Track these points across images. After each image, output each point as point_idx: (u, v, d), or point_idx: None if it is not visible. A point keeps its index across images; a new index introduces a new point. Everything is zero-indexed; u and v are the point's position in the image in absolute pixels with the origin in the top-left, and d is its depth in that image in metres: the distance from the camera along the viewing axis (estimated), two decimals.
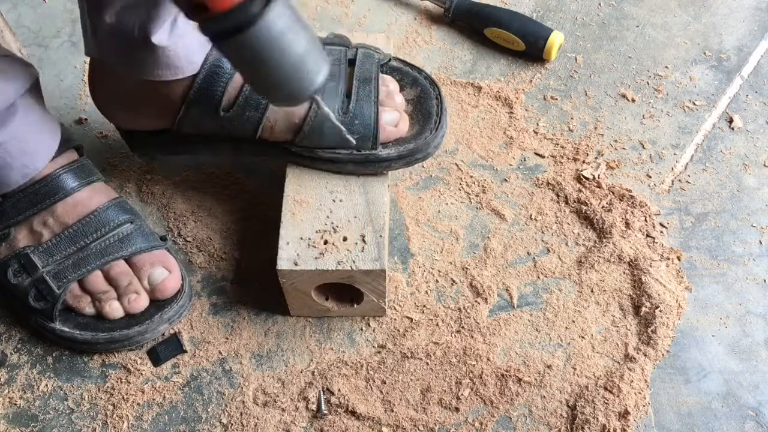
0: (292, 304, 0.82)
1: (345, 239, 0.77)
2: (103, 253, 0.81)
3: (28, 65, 0.79)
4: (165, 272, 0.82)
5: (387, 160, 0.82)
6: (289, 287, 0.79)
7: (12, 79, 0.76)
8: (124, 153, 0.98)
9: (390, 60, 0.87)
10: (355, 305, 0.82)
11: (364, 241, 0.77)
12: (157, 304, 0.82)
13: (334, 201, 0.80)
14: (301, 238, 0.77)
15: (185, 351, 0.83)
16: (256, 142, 0.81)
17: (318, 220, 0.79)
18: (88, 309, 0.82)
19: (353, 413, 0.79)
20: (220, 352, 0.83)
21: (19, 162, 0.80)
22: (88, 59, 0.97)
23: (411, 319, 0.84)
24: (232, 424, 0.78)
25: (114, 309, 0.81)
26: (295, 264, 0.76)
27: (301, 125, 0.79)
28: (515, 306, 0.86)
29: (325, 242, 0.77)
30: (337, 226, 0.78)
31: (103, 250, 0.82)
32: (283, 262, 0.76)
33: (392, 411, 0.79)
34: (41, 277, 0.80)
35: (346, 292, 0.82)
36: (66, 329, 0.81)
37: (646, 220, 0.91)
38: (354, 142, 0.73)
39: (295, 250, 0.76)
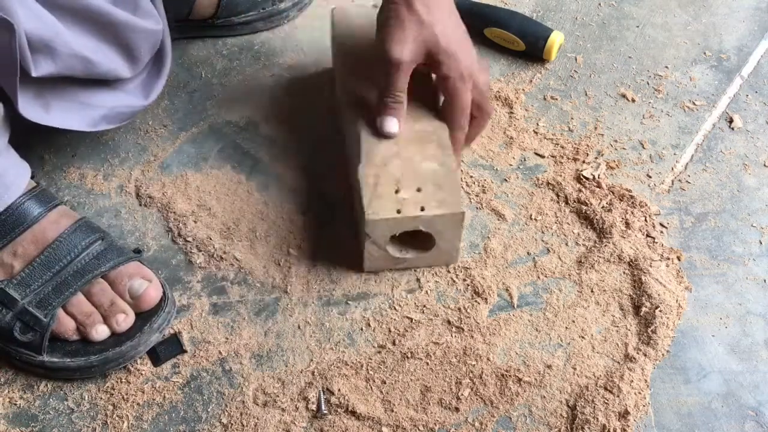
0: (369, 257, 0.85)
1: (419, 189, 0.82)
2: (81, 273, 0.80)
3: None
4: (145, 282, 0.81)
5: (285, 11, 1.10)
6: (369, 242, 0.83)
7: None
8: (124, 154, 0.98)
9: None
10: (428, 252, 0.86)
11: (440, 189, 0.82)
12: (144, 315, 0.81)
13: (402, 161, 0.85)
14: (381, 193, 0.82)
15: (185, 351, 0.83)
16: (183, 21, 0.95)
17: (393, 177, 0.84)
18: (74, 335, 0.80)
19: (353, 413, 0.79)
20: (220, 352, 0.83)
21: None
22: None
23: (411, 319, 0.84)
24: (232, 424, 0.78)
25: (100, 332, 0.79)
26: (378, 215, 0.81)
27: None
28: (515, 306, 0.86)
29: (401, 192, 0.82)
30: (412, 180, 0.83)
31: (80, 270, 0.81)
32: (370, 215, 0.80)
33: (392, 411, 0.79)
34: (23, 308, 0.78)
35: (418, 244, 0.86)
36: (55, 359, 0.79)
37: (646, 220, 0.91)
38: None
39: (378, 204, 0.81)
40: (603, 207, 0.91)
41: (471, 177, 0.95)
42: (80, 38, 0.79)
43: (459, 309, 0.85)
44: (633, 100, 1.03)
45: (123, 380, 0.81)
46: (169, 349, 0.83)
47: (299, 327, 0.85)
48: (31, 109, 0.79)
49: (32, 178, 0.85)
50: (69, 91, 0.84)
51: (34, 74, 0.75)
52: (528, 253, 0.90)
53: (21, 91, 0.76)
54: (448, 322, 0.84)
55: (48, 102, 0.81)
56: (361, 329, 0.84)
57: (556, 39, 1.04)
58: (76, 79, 0.83)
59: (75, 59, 0.78)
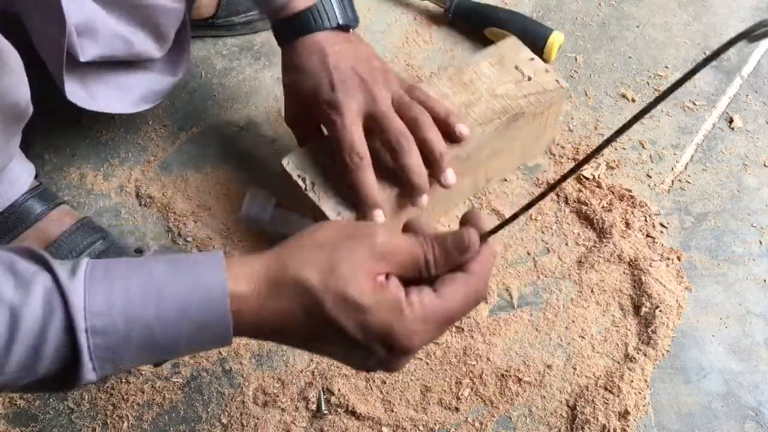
0: None
1: None
2: None
3: None
4: None
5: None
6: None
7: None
8: (124, 154, 0.98)
9: None
10: None
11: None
12: None
13: None
14: None
15: None
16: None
17: None
18: None
19: (353, 413, 0.79)
20: (220, 352, 0.83)
21: (2, 190, 0.80)
22: None
23: None
24: (232, 424, 0.78)
25: None
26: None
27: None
28: (515, 306, 0.86)
29: None
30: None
31: None
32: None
33: (392, 411, 0.79)
34: None
35: None
36: None
37: (646, 220, 0.91)
38: None
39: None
40: (603, 207, 0.91)
41: None
42: (116, 19, 0.82)
43: None
44: (633, 100, 1.03)
45: (123, 380, 0.81)
46: None
47: None
48: (76, 96, 0.82)
49: (35, 177, 0.85)
50: (107, 76, 0.86)
51: (82, 59, 0.78)
52: (528, 253, 0.90)
53: (67, 80, 0.79)
54: None
55: (91, 89, 0.84)
56: None
57: (556, 39, 1.04)
58: (112, 65, 0.86)
59: (116, 39, 0.81)
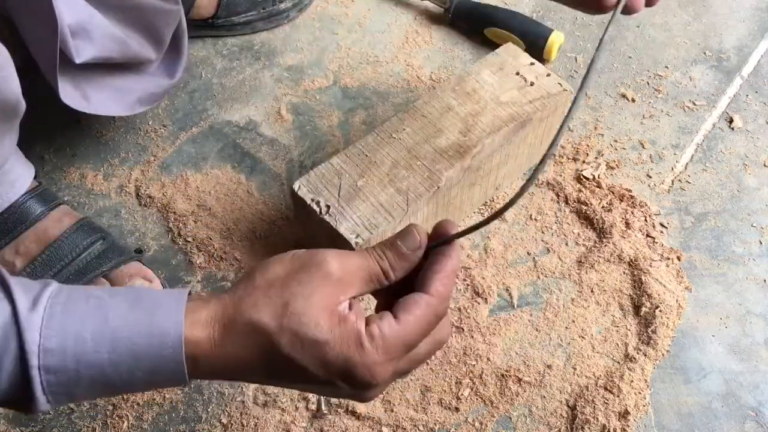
0: None
1: None
2: (83, 273, 0.81)
3: None
4: (145, 283, 0.82)
5: (285, 11, 1.10)
6: None
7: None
8: (124, 154, 0.98)
9: None
10: None
11: None
12: None
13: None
14: None
15: None
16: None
17: None
18: None
19: (353, 413, 0.79)
20: None
21: (2, 190, 0.80)
22: None
23: None
24: (232, 424, 0.78)
25: None
26: None
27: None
28: (515, 306, 0.86)
29: None
30: None
31: (82, 269, 0.81)
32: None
33: (392, 411, 0.79)
34: None
35: None
36: None
37: (646, 220, 0.91)
38: None
39: None
40: (603, 207, 0.91)
41: None
42: (111, 21, 0.81)
43: (459, 309, 0.85)
44: (633, 100, 1.03)
45: None
46: None
47: None
48: (71, 98, 0.81)
49: (34, 178, 0.85)
50: (103, 79, 0.86)
51: (77, 61, 0.77)
52: (528, 253, 0.90)
53: (61, 82, 0.78)
54: None
55: (86, 91, 0.83)
56: None
57: (556, 39, 1.04)
58: (108, 67, 0.85)
59: (111, 41, 0.81)
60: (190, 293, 0.51)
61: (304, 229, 0.85)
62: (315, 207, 0.78)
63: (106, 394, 0.51)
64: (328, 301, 0.49)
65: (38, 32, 0.75)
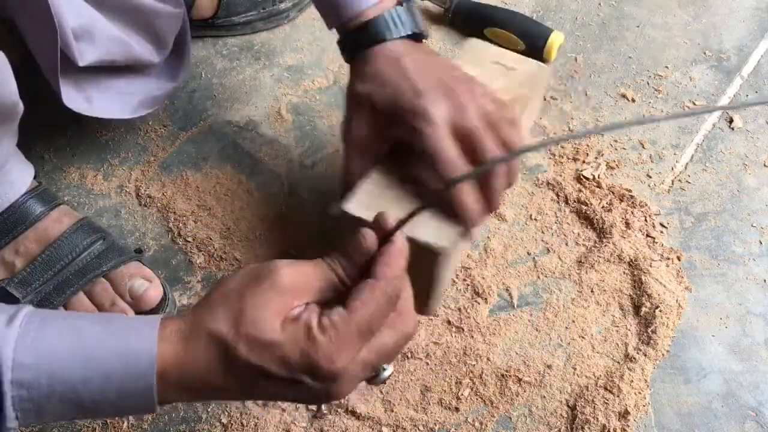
0: None
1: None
2: (82, 273, 0.80)
3: None
4: (145, 283, 0.81)
5: (285, 11, 1.10)
6: None
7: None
8: (124, 154, 0.98)
9: None
10: None
11: None
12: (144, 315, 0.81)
13: None
14: None
15: None
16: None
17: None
18: None
19: (353, 413, 0.79)
20: None
21: (1, 191, 0.80)
22: None
23: None
24: (232, 424, 0.78)
25: None
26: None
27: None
28: (515, 306, 0.86)
29: None
30: None
31: (81, 269, 0.81)
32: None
33: (392, 411, 0.79)
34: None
35: None
36: None
37: (646, 220, 0.91)
38: None
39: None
40: (603, 207, 0.91)
41: None
42: (114, 23, 0.81)
43: (459, 309, 0.85)
44: (633, 100, 1.03)
45: None
46: None
47: None
48: (73, 101, 0.82)
49: (34, 178, 0.85)
50: (105, 81, 0.86)
51: (80, 63, 0.78)
52: (528, 253, 0.90)
53: (63, 85, 0.79)
54: (448, 322, 0.84)
55: (88, 94, 0.84)
56: None
57: (556, 39, 1.04)
58: (110, 70, 0.86)
59: (114, 43, 0.81)
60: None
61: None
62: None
63: (74, 415, 0.52)
64: (280, 308, 0.51)
65: (39, 35, 0.75)
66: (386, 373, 0.57)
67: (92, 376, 0.49)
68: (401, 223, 0.55)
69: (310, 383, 0.52)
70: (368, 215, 0.71)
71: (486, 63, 0.89)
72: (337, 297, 0.54)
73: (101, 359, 0.49)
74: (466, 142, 0.69)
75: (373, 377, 0.56)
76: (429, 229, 0.69)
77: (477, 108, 0.70)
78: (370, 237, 0.54)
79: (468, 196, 0.68)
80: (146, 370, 0.50)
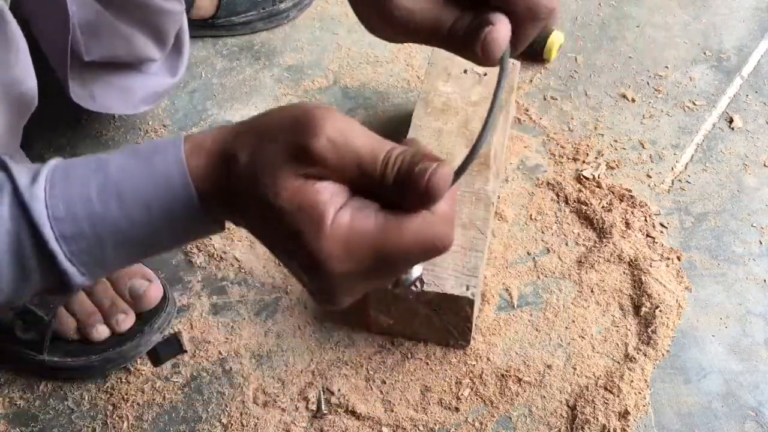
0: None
1: None
2: None
3: None
4: (145, 282, 0.81)
5: (285, 11, 1.10)
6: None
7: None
8: None
9: None
10: None
11: None
12: (144, 315, 0.81)
13: None
14: None
15: (185, 351, 0.83)
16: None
17: None
18: (74, 334, 0.80)
19: (353, 413, 0.79)
20: (220, 352, 0.83)
21: None
22: None
23: None
24: (232, 424, 0.78)
25: (101, 332, 0.80)
26: None
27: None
28: (515, 306, 0.86)
29: None
30: None
31: None
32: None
33: (392, 411, 0.79)
34: (25, 307, 0.77)
35: None
36: (56, 358, 0.79)
37: (646, 220, 0.91)
38: None
39: None
40: (603, 207, 0.91)
41: None
42: (118, 19, 0.83)
43: None
44: (633, 100, 1.03)
45: (123, 380, 0.81)
46: (169, 349, 0.82)
47: (299, 327, 0.85)
48: (79, 96, 0.84)
49: None
50: (107, 77, 0.88)
51: (86, 58, 0.80)
52: (528, 253, 0.90)
53: (70, 81, 0.81)
54: None
55: (92, 90, 0.86)
56: (361, 329, 0.84)
57: (556, 39, 1.04)
58: (112, 66, 0.87)
59: (118, 39, 0.83)
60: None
61: (390, 317, 0.80)
62: (414, 288, 0.73)
63: (138, 254, 0.48)
64: (294, 169, 0.43)
65: (50, 29, 0.76)
66: (414, 275, 0.48)
67: (130, 209, 0.45)
68: (458, 173, 0.45)
69: (297, 256, 0.44)
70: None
71: (455, 74, 0.90)
72: (362, 189, 0.44)
73: (133, 190, 0.45)
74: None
75: (396, 282, 0.47)
76: None
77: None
78: (444, 173, 0.43)
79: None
80: (182, 191, 0.45)
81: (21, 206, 0.45)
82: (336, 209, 0.42)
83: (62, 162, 0.47)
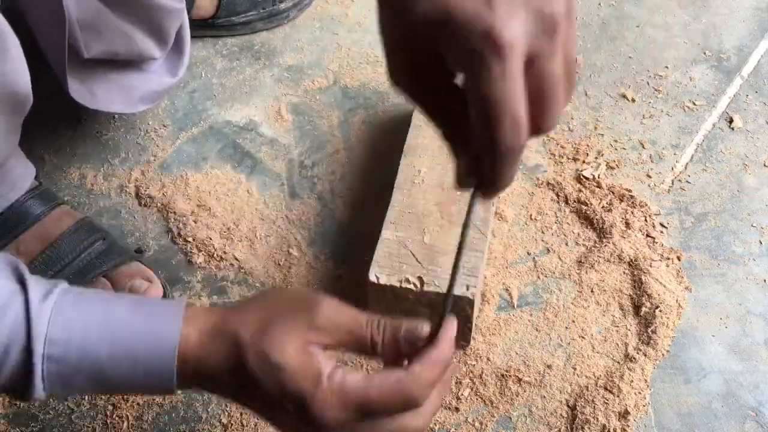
0: None
1: None
2: (83, 272, 0.81)
3: None
4: (145, 283, 0.82)
5: (285, 11, 1.09)
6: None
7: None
8: (124, 154, 0.98)
9: None
10: None
11: None
12: None
13: None
14: None
15: None
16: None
17: None
18: None
19: None
20: None
21: (2, 190, 0.80)
22: None
23: None
24: (232, 424, 0.78)
25: None
26: None
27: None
28: (515, 306, 0.86)
29: None
30: None
31: (82, 269, 0.81)
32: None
33: None
34: None
35: None
36: None
37: (646, 220, 0.91)
38: None
39: None
40: (603, 207, 0.91)
41: None
42: (118, 17, 0.82)
43: None
44: (633, 100, 1.03)
45: None
46: None
47: None
48: (78, 93, 0.84)
49: (34, 178, 0.85)
50: (107, 75, 0.87)
51: (86, 55, 0.79)
52: (528, 253, 0.90)
53: (69, 78, 0.81)
54: None
55: (92, 88, 0.86)
56: None
57: None
58: (112, 65, 0.87)
59: (118, 36, 0.83)
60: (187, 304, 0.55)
61: (389, 313, 0.81)
62: (410, 286, 0.75)
63: (98, 390, 0.55)
64: (302, 338, 0.52)
65: (48, 27, 0.76)
66: None
67: (119, 355, 0.51)
68: (447, 296, 0.54)
69: (294, 418, 0.52)
70: (396, 280, 0.75)
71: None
72: (357, 353, 0.55)
73: (127, 340, 0.51)
74: (535, 90, 0.44)
75: None
76: None
77: (567, 38, 0.44)
78: (424, 334, 0.53)
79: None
80: (168, 355, 0.51)
81: (27, 319, 0.50)
82: (330, 370, 0.51)
83: (72, 289, 0.53)
